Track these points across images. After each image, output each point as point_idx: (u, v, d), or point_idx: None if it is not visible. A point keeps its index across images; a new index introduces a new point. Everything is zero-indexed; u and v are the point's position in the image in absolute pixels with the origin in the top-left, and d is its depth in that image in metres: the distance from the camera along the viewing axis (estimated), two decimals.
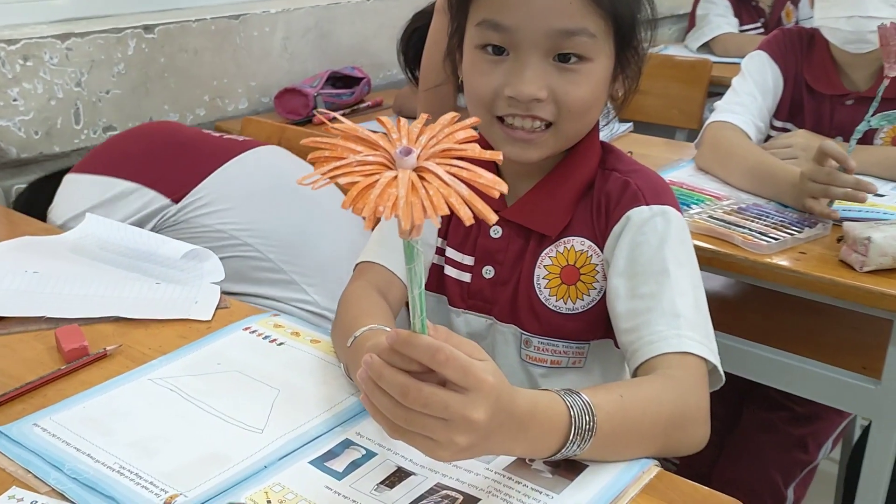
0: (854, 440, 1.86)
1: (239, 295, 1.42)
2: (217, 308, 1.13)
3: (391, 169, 0.59)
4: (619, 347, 1.04)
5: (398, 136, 0.63)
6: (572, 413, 0.75)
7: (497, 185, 0.58)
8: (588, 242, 1.02)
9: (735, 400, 1.77)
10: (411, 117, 2.11)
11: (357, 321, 0.91)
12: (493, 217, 0.55)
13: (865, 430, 1.53)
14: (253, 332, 1.07)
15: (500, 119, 0.98)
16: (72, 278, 1.17)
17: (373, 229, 1.11)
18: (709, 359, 0.90)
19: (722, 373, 0.92)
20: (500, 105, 0.97)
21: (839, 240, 1.26)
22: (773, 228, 1.32)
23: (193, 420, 0.88)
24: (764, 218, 1.36)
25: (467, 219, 0.55)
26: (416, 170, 0.59)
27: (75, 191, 1.50)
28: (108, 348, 1.01)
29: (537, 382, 1.07)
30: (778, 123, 1.74)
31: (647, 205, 0.98)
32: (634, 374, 0.93)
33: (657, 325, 0.91)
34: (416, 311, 0.66)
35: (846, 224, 1.23)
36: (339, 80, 2.35)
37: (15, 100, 1.76)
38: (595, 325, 1.04)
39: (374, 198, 0.56)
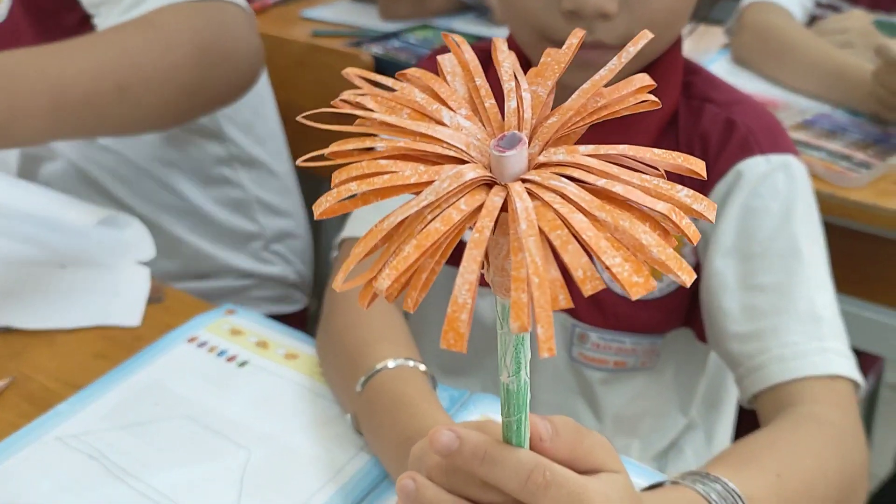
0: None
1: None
2: (148, 302, 0.82)
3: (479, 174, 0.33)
4: (703, 341, 0.77)
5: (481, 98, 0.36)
6: None
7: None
8: None
9: None
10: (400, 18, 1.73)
11: (367, 351, 0.62)
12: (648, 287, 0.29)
13: None
14: (202, 344, 0.76)
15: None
16: None
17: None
18: (859, 381, 0.64)
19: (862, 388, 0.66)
20: (555, 24, 0.66)
21: None
22: (856, 149, 1.04)
23: None
24: (839, 134, 1.08)
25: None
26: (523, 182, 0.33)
27: None
28: None
29: (593, 391, 0.80)
30: None
31: (764, 153, 0.69)
32: (753, 400, 0.66)
33: (791, 332, 0.64)
34: (510, 402, 0.40)
35: None
36: None
37: None
38: (675, 314, 0.77)
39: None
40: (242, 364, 0.74)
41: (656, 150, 0.32)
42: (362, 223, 0.77)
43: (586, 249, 0.30)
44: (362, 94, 0.37)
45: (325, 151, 0.35)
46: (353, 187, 0.34)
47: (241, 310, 0.81)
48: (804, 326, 0.64)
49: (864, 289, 1.07)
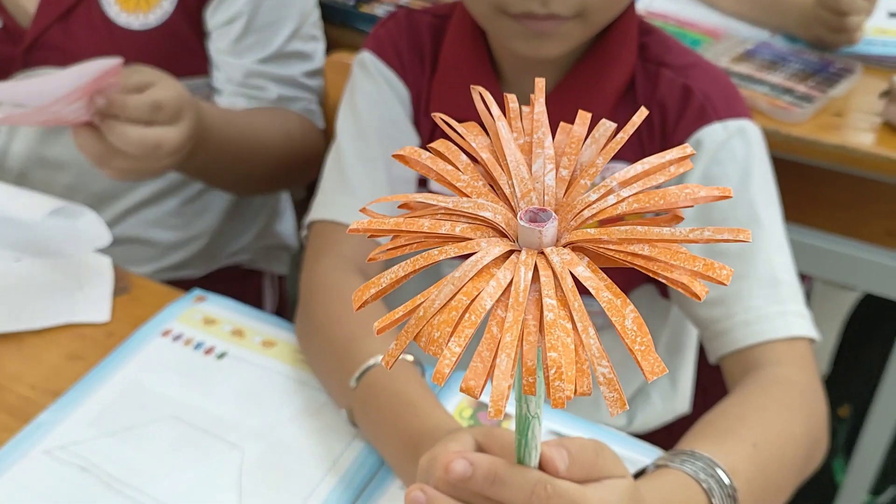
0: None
1: None
2: (114, 294, 0.81)
3: (506, 242, 0.35)
4: (665, 297, 0.80)
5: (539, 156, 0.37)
6: (713, 502, 0.52)
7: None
8: None
9: None
10: None
11: (356, 346, 0.64)
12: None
13: (863, 301, 1.39)
14: (177, 337, 0.76)
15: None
16: None
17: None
18: (816, 337, 0.68)
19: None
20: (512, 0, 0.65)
21: (883, 94, 1.03)
22: (797, 81, 1.07)
23: None
24: (780, 65, 1.10)
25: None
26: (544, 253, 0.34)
27: None
28: None
29: None
30: None
31: (721, 120, 0.71)
32: (719, 360, 0.70)
33: (753, 297, 0.68)
34: (516, 422, 0.42)
35: None
36: None
37: None
38: (639, 274, 0.79)
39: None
40: (221, 356, 0.74)
41: (627, 322, 0.31)
42: (330, 207, 0.76)
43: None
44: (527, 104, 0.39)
45: (460, 126, 0.38)
46: (424, 157, 0.37)
47: (211, 296, 0.81)
48: (765, 290, 0.67)
49: (800, 213, 1.12)
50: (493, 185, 0.36)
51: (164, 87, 0.76)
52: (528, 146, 0.37)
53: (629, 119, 0.76)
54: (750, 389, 0.63)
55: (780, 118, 1.01)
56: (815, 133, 1.00)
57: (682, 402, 0.88)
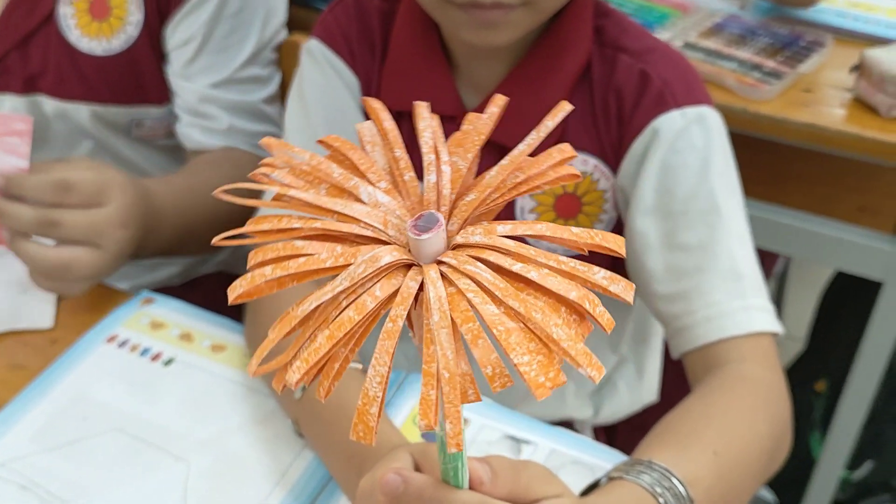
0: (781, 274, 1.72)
1: None
2: (59, 298, 0.78)
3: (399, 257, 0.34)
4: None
5: (397, 174, 0.37)
6: None
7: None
8: (593, 161, 0.71)
9: None
10: None
11: None
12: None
13: (839, 275, 1.38)
14: (123, 343, 0.73)
15: None
16: None
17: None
18: (779, 331, 0.66)
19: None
20: None
21: (853, 69, 1.00)
22: (766, 56, 1.04)
23: None
24: (749, 40, 1.07)
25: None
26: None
27: None
28: None
29: None
30: None
31: (679, 107, 0.68)
32: (683, 357, 0.68)
33: (715, 291, 0.65)
34: (444, 450, 0.41)
35: (869, 54, 0.96)
36: None
37: None
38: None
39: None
40: (168, 362, 0.72)
41: (574, 229, 0.32)
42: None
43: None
44: (281, 167, 0.36)
45: (244, 230, 0.35)
46: (268, 271, 0.33)
47: (160, 297, 0.78)
48: (727, 284, 0.65)
49: (771, 191, 1.10)
50: (351, 241, 0.34)
51: (79, 168, 0.69)
52: (339, 189, 0.36)
53: (584, 106, 0.74)
54: (712, 388, 0.61)
55: (748, 95, 0.98)
56: (784, 110, 0.97)
57: (648, 391, 0.86)
